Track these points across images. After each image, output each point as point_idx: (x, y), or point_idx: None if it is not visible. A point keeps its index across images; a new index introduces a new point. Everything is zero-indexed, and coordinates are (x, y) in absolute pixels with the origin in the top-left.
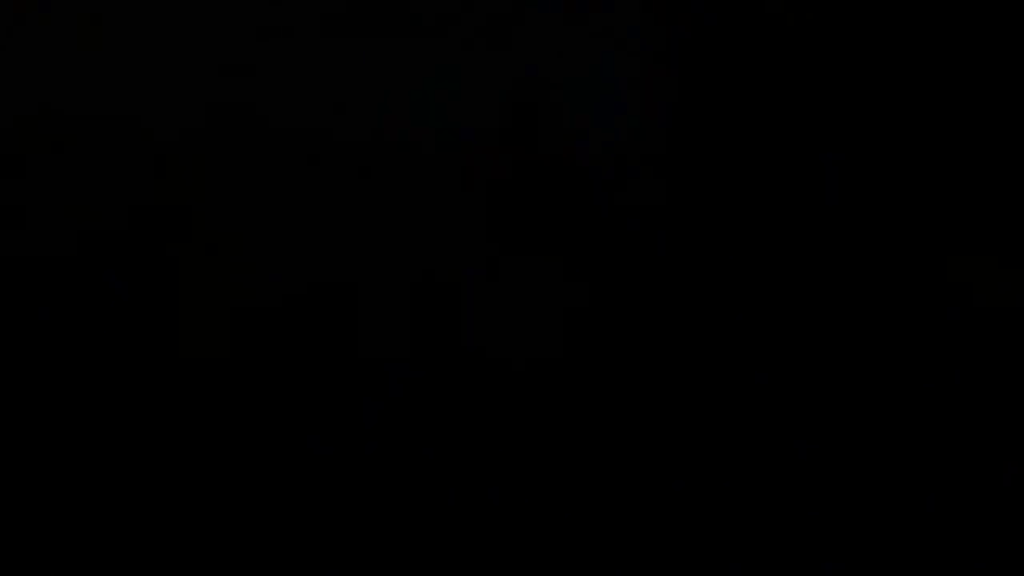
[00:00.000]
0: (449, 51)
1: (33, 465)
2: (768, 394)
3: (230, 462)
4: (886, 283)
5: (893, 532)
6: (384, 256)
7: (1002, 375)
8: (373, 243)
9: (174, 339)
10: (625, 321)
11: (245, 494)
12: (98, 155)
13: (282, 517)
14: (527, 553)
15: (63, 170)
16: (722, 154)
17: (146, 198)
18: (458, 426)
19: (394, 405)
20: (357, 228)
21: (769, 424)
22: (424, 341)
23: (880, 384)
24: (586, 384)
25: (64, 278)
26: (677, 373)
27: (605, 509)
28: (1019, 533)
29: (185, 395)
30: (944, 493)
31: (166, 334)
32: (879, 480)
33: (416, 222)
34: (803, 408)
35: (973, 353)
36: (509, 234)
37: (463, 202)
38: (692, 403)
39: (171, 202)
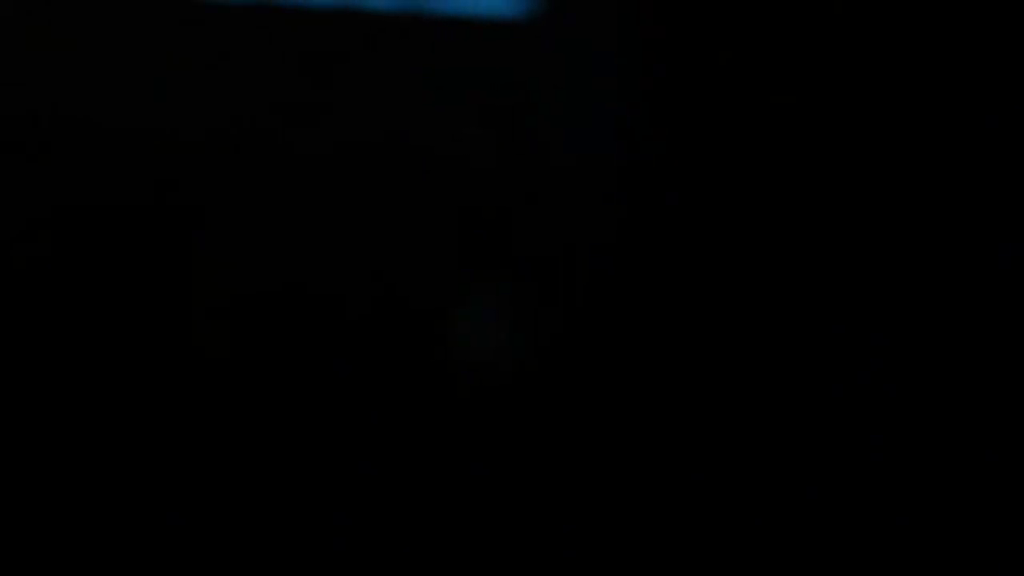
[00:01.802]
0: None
1: (31, 463)
2: (753, 402)
3: (217, 462)
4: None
5: (894, 532)
6: (357, 265)
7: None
8: (345, 252)
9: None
10: (601, 338)
11: (228, 497)
12: (87, 156)
13: (261, 522)
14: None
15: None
16: (705, 163)
17: (142, 197)
18: (431, 439)
19: (369, 417)
20: (330, 236)
21: (748, 432)
22: (397, 355)
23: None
24: (560, 401)
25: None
26: (656, 387)
27: (581, 525)
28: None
29: (166, 400)
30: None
31: (154, 335)
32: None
33: (392, 232)
34: (787, 413)
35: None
36: (485, 245)
37: (441, 211)
38: (672, 417)
39: (167, 201)
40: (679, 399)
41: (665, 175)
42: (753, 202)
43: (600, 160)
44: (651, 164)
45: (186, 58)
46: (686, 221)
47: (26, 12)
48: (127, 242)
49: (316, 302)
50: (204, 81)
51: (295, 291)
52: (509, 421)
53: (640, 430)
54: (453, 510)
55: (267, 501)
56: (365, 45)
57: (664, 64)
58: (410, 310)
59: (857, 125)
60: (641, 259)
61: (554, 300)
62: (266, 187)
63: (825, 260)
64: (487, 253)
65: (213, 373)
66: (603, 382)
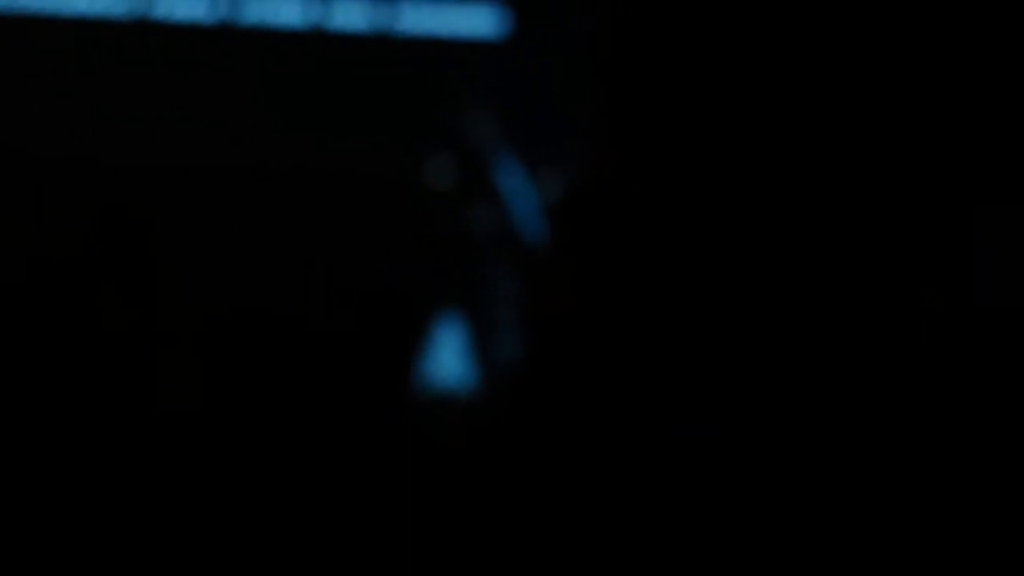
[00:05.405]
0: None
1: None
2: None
3: (186, 477)
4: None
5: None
6: (322, 286)
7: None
8: (309, 273)
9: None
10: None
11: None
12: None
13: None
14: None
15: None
16: (674, 176)
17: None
18: (396, 459)
19: (347, 430)
20: (292, 256)
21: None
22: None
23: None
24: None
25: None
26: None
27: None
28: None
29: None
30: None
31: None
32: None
33: (355, 253)
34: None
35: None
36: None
37: (407, 234)
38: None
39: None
40: (655, 408)
41: (634, 188)
42: (718, 213)
43: (569, 174)
44: (620, 177)
45: (148, 78)
46: (655, 234)
47: None
48: (96, 265)
49: (280, 322)
50: (167, 101)
51: (259, 312)
52: (473, 438)
53: (606, 446)
54: (424, 524)
55: (229, 512)
56: (334, 65)
57: (633, 79)
58: (375, 331)
59: (832, 134)
60: (610, 272)
61: (520, 318)
62: (231, 208)
63: (811, 266)
64: (452, 272)
65: (180, 388)
66: (573, 397)
